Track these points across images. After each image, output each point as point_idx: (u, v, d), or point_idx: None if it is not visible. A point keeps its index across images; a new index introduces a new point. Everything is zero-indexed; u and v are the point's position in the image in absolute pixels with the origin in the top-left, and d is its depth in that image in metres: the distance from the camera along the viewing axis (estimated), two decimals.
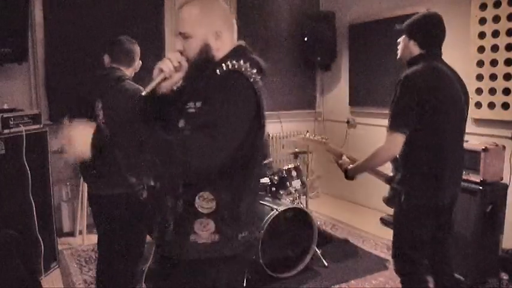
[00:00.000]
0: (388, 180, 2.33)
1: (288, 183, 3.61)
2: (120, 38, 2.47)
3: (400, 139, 2.06)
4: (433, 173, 2.14)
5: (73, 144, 1.38)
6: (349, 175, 2.33)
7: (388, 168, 2.36)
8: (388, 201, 2.36)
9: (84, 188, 3.84)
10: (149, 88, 1.44)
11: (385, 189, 2.34)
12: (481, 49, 3.65)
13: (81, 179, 3.79)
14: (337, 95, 5.54)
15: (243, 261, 1.56)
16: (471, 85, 3.65)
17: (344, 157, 2.42)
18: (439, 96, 2.09)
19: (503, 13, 3.47)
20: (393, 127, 2.07)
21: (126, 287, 2.48)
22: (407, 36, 2.22)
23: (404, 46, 2.25)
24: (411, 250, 2.21)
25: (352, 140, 5.27)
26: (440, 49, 2.23)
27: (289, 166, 3.72)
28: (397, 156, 2.21)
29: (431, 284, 2.38)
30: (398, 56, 2.32)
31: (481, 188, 2.95)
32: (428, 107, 2.05)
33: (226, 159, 1.33)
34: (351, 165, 2.33)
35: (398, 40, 2.30)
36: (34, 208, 3.05)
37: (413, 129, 2.07)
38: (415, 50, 2.20)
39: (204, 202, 1.41)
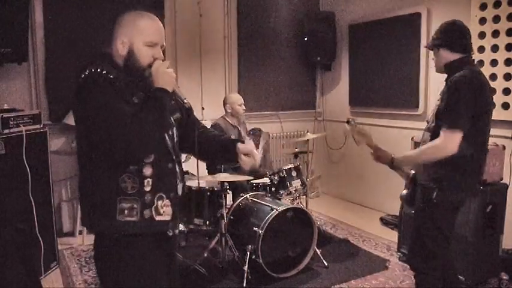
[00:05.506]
0: (411, 178, 2.32)
1: (288, 183, 3.62)
2: None
3: (459, 137, 2.07)
4: (476, 170, 2.22)
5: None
6: (396, 164, 2.27)
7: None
8: (408, 199, 2.36)
9: None
10: None
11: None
12: (481, 49, 3.65)
13: None
14: (337, 95, 5.54)
15: None
16: None
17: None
18: (486, 99, 2.18)
19: (503, 13, 3.47)
20: (454, 124, 2.07)
21: None
22: (438, 46, 2.26)
23: (437, 56, 2.29)
24: (436, 246, 2.23)
25: (353, 140, 5.26)
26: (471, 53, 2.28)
27: (289, 166, 3.73)
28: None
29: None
30: (436, 70, 2.36)
31: (481, 188, 2.94)
32: (479, 109, 2.11)
33: None
34: (397, 155, 2.27)
35: (432, 57, 2.35)
36: (34, 208, 3.05)
37: None
38: (449, 55, 2.24)
39: None
